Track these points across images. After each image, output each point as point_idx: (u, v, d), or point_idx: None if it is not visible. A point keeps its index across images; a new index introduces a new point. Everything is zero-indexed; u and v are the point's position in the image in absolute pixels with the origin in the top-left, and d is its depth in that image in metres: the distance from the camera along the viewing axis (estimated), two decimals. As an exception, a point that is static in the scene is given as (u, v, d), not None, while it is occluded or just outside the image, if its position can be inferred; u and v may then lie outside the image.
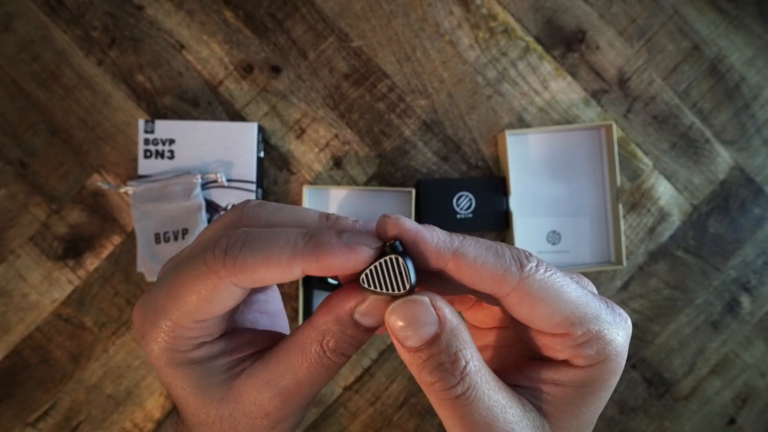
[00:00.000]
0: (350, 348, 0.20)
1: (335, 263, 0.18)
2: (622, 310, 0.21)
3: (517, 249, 0.20)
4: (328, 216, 0.21)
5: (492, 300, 0.21)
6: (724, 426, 0.72)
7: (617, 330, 0.20)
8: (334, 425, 0.69)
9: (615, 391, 0.71)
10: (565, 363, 0.20)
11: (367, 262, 0.19)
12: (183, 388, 0.20)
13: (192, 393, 0.20)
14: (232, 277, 0.18)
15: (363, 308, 0.20)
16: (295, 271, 0.18)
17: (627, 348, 0.20)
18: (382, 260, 0.19)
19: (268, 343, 0.22)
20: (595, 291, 0.21)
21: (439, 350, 0.18)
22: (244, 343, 0.22)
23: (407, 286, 0.19)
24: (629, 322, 0.21)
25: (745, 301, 0.72)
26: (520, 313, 0.20)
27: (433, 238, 0.19)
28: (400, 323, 0.19)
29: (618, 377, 0.21)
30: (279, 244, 0.18)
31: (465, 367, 0.18)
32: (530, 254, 0.20)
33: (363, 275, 0.19)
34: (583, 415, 0.21)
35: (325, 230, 0.19)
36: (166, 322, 0.19)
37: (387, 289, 0.19)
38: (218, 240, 0.19)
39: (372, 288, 0.19)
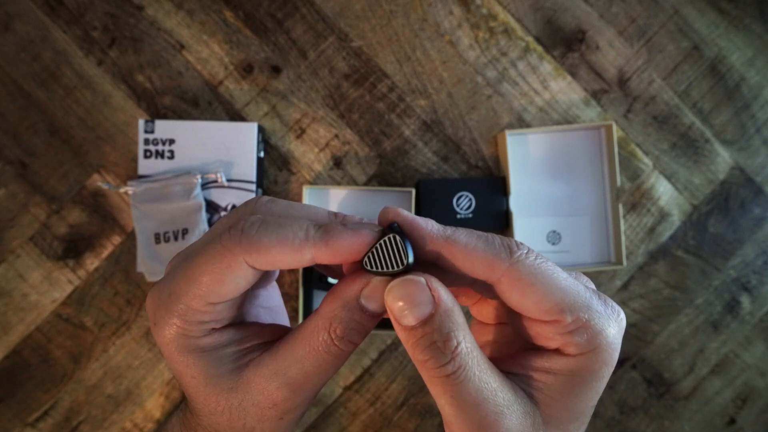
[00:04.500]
0: (357, 335, 0.21)
1: (342, 245, 0.20)
2: (615, 304, 0.21)
3: (509, 238, 0.21)
4: (336, 214, 0.22)
5: (488, 292, 0.22)
6: (724, 426, 0.72)
7: (608, 321, 0.20)
8: (334, 425, 0.69)
9: (615, 391, 0.71)
10: (557, 352, 0.21)
11: (369, 244, 0.20)
12: (193, 377, 0.21)
13: (202, 382, 0.21)
14: (246, 256, 0.19)
15: (367, 291, 0.21)
16: (305, 255, 0.20)
17: (620, 341, 0.21)
18: (381, 240, 0.20)
19: (275, 335, 0.23)
20: (593, 287, 0.22)
21: (432, 329, 0.19)
22: (251, 335, 0.22)
23: (405, 263, 0.20)
24: (622, 316, 0.21)
25: (745, 301, 0.72)
26: (511, 299, 0.20)
27: (427, 225, 0.21)
28: (398, 302, 0.20)
29: (610, 369, 0.21)
30: (292, 229, 0.20)
31: (456, 347, 0.19)
32: (521, 243, 0.21)
33: (365, 257, 0.20)
34: (574, 405, 0.21)
35: (333, 222, 0.20)
36: (180, 306, 0.20)
37: (387, 268, 0.20)
38: (235, 223, 0.20)
39: (374, 269, 0.20)
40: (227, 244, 0.19)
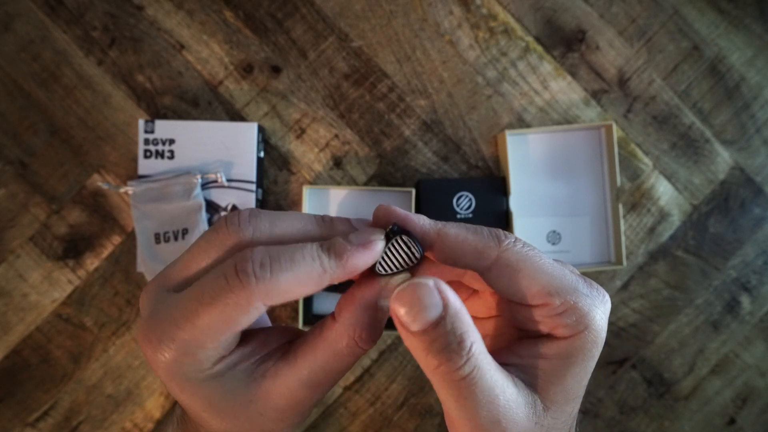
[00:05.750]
0: (378, 333, 0.22)
1: (357, 264, 0.20)
2: (600, 287, 0.22)
3: (497, 229, 0.22)
4: (323, 218, 0.22)
5: (480, 284, 0.23)
6: (724, 426, 0.72)
7: (594, 302, 0.21)
8: (334, 425, 0.69)
9: (615, 391, 0.71)
10: (549, 336, 0.22)
11: (380, 253, 0.21)
12: (210, 402, 0.21)
13: (219, 404, 0.21)
14: (266, 300, 0.19)
15: (386, 292, 0.21)
16: (324, 283, 0.20)
17: (606, 321, 0.22)
18: (390, 244, 0.21)
19: (279, 340, 0.23)
20: (578, 273, 0.22)
21: (444, 332, 0.19)
22: (258, 346, 0.22)
23: (417, 256, 0.21)
24: (607, 298, 0.22)
25: (745, 301, 0.72)
26: (501, 285, 0.21)
27: (419, 220, 0.22)
28: (406, 308, 0.19)
29: (599, 349, 0.22)
30: (305, 261, 0.19)
31: (470, 348, 0.19)
32: (509, 233, 0.22)
33: (378, 265, 0.21)
34: (570, 386, 0.22)
35: (335, 238, 0.20)
36: (188, 347, 0.19)
37: (401, 267, 0.21)
38: (239, 263, 0.19)
39: (389, 272, 0.21)
40: (240, 291, 0.18)
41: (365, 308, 0.21)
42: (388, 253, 0.21)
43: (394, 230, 0.21)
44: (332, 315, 0.22)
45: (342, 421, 0.69)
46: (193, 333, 0.19)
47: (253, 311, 0.19)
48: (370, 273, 0.21)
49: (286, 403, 0.21)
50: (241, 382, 0.21)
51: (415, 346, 0.19)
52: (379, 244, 0.20)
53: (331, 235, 0.21)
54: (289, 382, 0.21)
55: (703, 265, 0.72)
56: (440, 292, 0.19)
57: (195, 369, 0.20)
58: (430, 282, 0.19)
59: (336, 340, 0.21)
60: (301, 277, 0.19)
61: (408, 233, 0.21)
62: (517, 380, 0.21)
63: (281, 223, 0.21)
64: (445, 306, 0.19)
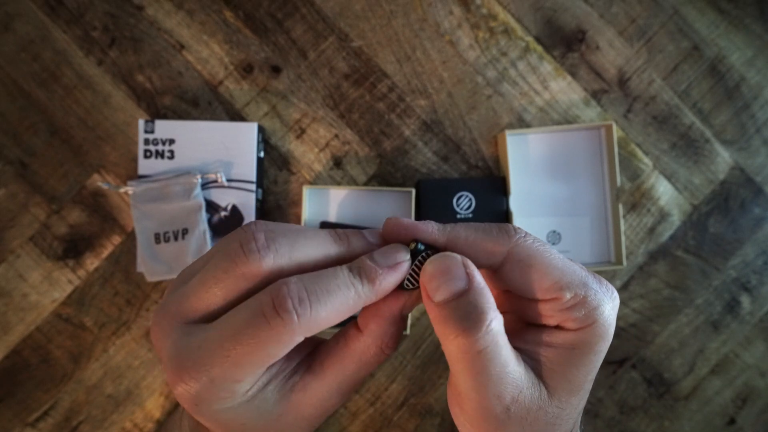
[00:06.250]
0: (400, 338, 0.23)
1: (389, 287, 0.21)
2: (609, 283, 0.22)
3: (506, 224, 0.22)
4: (338, 234, 0.22)
5: (492, 281, 0.23)
6: (724, 426, 0.72)
7: (603, 297, 0.22)
8: (334, 425, 0.69)
9: (615, 391, 0.71)
10: (557, 328, 0.22)
11: (407, 271, 0.21)
12: (239, 424, 0.21)
13: (249, 424, 0.21)
14: (307, 333, 0.19)
15: (410, 303, 0.22)
16: (358, 309, 0.20)
17: (614, 317, 0.22)
18: (416, 262, 0.22)
19: (302, 353, 0.23)
20: (586, 269, 0.23)
21: (466, 304, 0.20)
22: (283, 363, 0.22)
23: None
24: (616, 294, 0.22)
25: (745, 301, 0.72)
26: (513, 281, 0.22)
27: (427, 227, 0.22)
28: (435, 278, 0.20)
29: (606, 344, 0.22)
30: (341, 290, 0.20)
31: (490, 323, 0.20)
32: (518, 228, 0.22)
33: (405, 282, 0.22)
34: (574, 377, 0.22)
35: (362, 261, 0.21)
36: (223, 383, 0.19)
37: None
38: (278, 300, 0.19)
39: (412, 287, 0.22)
40: (281, 329, 0.18)
41: (392, 320, 0.22)
42: (414, 271, 0.21)
43: (419, 249, 0.22)
44: (355, 326, 0.22)
45: (342, 421, 0.69)
46: (231, 370, 0.19)
47: (292, 344, 0.19)
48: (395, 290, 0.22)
49: (315, 411, 0.22)
50: (272, 401, 0.21)
51: (436, 316, 0.20)
52: (406, 265, 0.21)
53: (350, 253, 0.22)
54: (320, 393, 0.22)
55: (703, 265, 0.72)
56: (466, 268, 0.20)
57: (229, 400, 0.20)
58: (458, 257, 0.21)
59: (364, 351, 0.22)
60: (339, 307, 0.19)
61: (432, 248, 0.22)
62: (525, 364, 0.22)
63: (300, 246, 0.20)
64: (470, 280, 0.20)
